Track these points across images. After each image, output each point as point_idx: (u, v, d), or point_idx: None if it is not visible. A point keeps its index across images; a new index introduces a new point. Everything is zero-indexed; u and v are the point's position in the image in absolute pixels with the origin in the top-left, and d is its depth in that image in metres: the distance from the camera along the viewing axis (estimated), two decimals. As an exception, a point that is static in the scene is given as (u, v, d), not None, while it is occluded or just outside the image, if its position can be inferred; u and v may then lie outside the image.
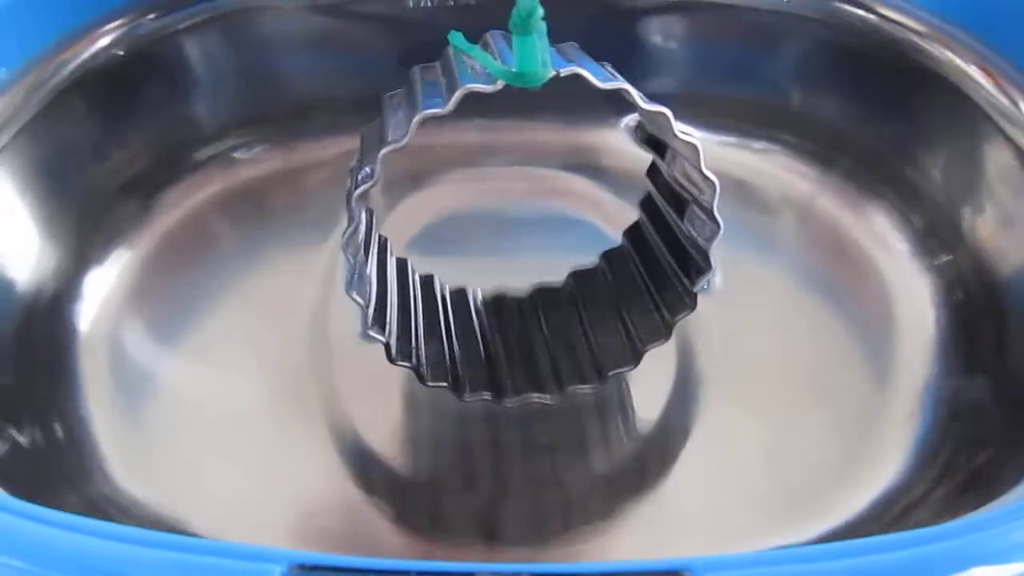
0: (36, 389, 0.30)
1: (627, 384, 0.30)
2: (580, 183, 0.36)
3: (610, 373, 0.29)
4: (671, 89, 0.36)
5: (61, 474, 0.28)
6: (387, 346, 0.27)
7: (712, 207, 0.26)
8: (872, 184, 0.35)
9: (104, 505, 0.27)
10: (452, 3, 0.34)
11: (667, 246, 0.30)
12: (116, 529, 0.20)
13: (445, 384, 0.29)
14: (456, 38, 0.26)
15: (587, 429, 0.30)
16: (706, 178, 0.26)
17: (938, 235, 0.33)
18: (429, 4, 0.35)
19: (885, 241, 0.34)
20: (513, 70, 0.23)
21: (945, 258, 0.32)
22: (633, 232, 0.31)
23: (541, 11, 0.23)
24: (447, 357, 0.30)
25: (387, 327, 0.28)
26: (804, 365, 0.31)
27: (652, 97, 0.25)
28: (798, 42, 0.35)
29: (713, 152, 0.35)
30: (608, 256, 0.32)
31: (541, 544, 0.28)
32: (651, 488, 0.29)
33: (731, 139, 0.36)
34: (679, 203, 0.29)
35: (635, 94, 0.24)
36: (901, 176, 0.34)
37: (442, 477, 0.29)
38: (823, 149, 0.36)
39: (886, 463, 0.28)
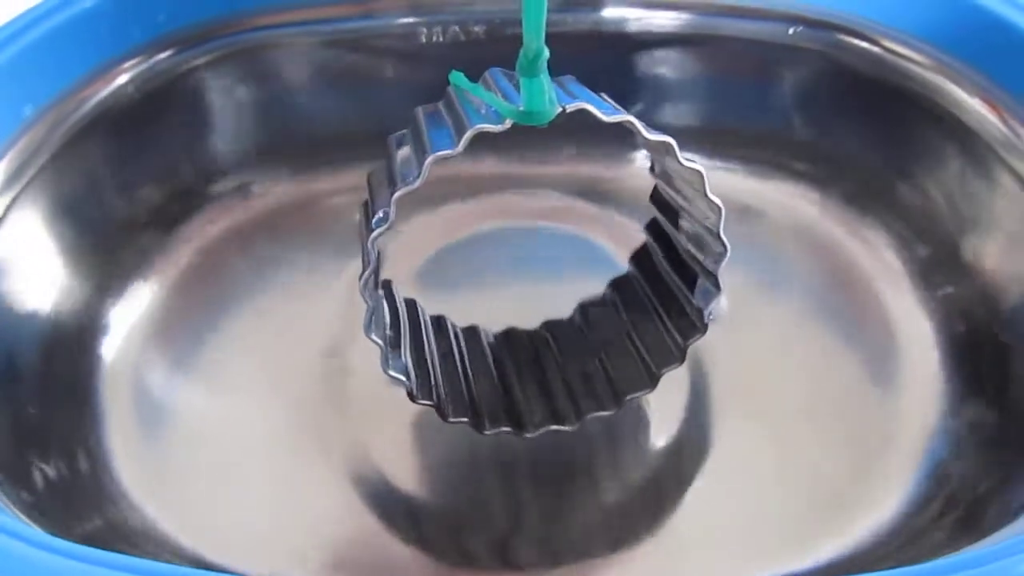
0: (60, 420, 0.30)
1: (640, 410, 0.31)
2: (588, 211, 0.37)
3: (628, 398, 0.29)
4: (676, 119, 0.37)
5: (87, 504, 0.28)
6: (407, 385, 0.28)
7: (719, 230, 0.26)
8: (877, 214, 0.35)
9: (134, 537, 0.28)
10: (464, 38, 0.35)
11: (675, 270, 0.30)
12: (155, 567, 0.20)
13: (466, 420, 0.29)
14: (458, 78, 0.26)
15: (601, 455, 0.30)
16: (711, 203, 0.26)
17: (941, 266, 0.33)
18: (442, 39, 0.35)
19: (889, 271, 0.34)
20: (520, 109, 0.24)
21: (948, 289, 0.33)
22: (640, 257, 0.32)
23: (547, 53, 0.23)
24: (465, 392, 0.30)
25: (405, 367, 0.28)
26: (810, 393, 0.31)
27: (657, 128, 0.25)
28: (803, 74, 0.35)
29: (720, 181, 0.36)
30: (615, 284, 0.32)
31: (556, 570, 0.28)
32: (665, 514, 0.29)
33: (737, 168, 0.37)
34: (686, 230, 0.29)
35: (639, 125, 0.24)
36: (905, 207, 0.34)
37: (458, 504, 0.29)
38: (828, 179, 0.36)
39: (891, 493, 0.29)
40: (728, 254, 0.27)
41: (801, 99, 0.36)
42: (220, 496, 0.29)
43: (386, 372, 0.27)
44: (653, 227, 0.31)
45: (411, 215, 0.36)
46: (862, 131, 0.35)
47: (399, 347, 0.28)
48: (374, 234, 0.25)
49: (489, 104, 0.24)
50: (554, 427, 0.29)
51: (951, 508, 0.28)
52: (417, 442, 0.31)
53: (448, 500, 0.29)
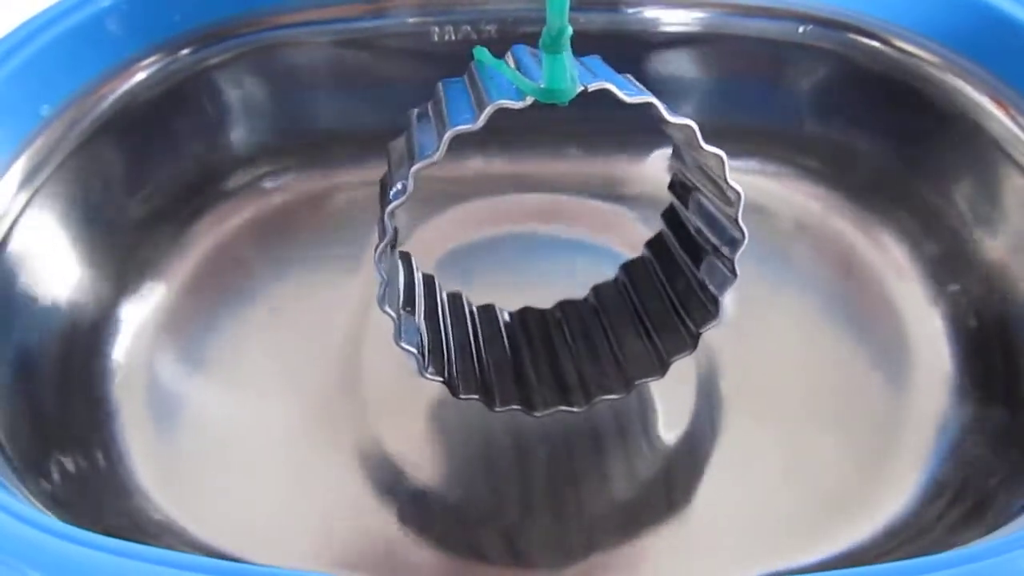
0: (77, 414, 0.30)
1: (650, 405, 0.31)
2: (603, 209, 0.37)
3: (637, 383, 0.29)
4: (694, 116, 0.36)
5: (106, 498, 0.29)
6: (419, 359, 0.28)
7: (737, 216, 0.26)
8: (886, 212, 0.35)
9: (151, 528, 0.28)
10: (476, 37, 0.35)
11: (691, 258, 0.30)
12: (175, 557, 0.21)
13: (476, 397, 0.29)
14: (482, 53, 0.26)
15: (611, 450, 0.30)
16: (731, 188, 0.26)
17: (951, 263, 0.33)
18: (454, 38, 0.35)
19: (899, 268, 0.34)
20: (542, 86, 0.23)
21: (958, 286, 0.33)
22: (655, 243, 0.32)
23: (570, 30, 0.23)
24: (477, 370, 0.30)
25: (419, 340, 0.28)
26: (819, 389, 0.31)
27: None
28: (814, 72, 0.36)
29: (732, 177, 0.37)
30: (628, 268, 0.32)
31: (567, 565, 0.28)
32: (674, 509, 0.29)
33: (748, 166, 0.37)
34: (703, 216, 0.29)
35: (661, 107, 0.24)
36: (915, 204, 0.35)
37: (470, 498, 0.29)
38: (838, 177, 0.36)
39: (899, 486, 0.29)
40: (746, 240, 0.26)
41: (811, 97, 0.36)
42: (234, 489, 0.30)
43: (398, 344, 0.27)
44: (669, 215, 0.31)
45: (431, 210, 0.36)
46: (871, 129, 0.35)
47: (413, 321, 0.28)
48: (391, 206, 0.25)
49: (511, 81, 0.24)
50: (564, 408, 0.29)
51: (959, 503, 0.28)
52: (432, 436, 0.31)
53: (461, 494, 0.30)
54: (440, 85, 0.27)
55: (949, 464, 0.29)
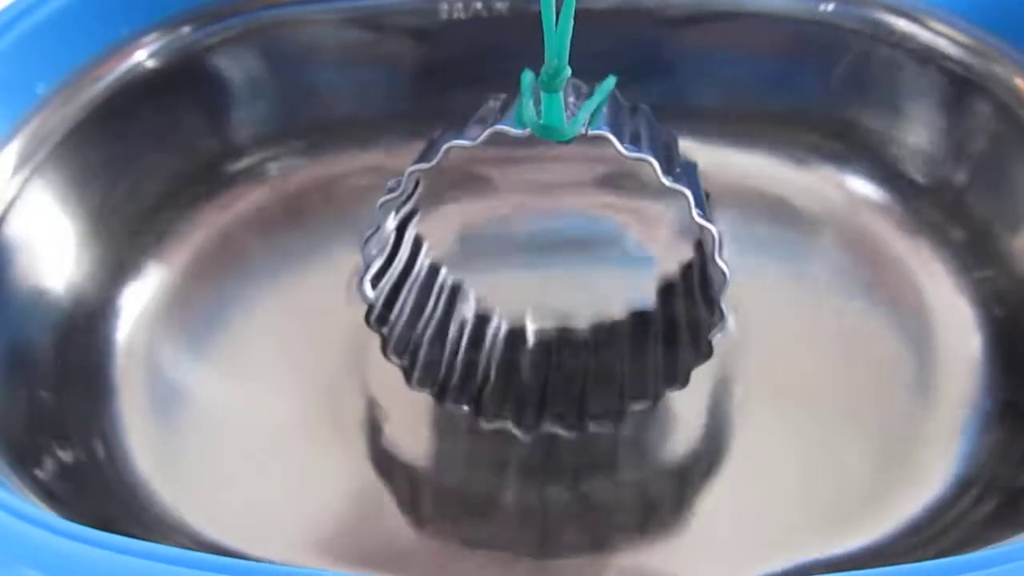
0: (75, 404, 0.30)
1: (663, 401, 0.30)
2: (623, 199, 0.36)
3: (591, 423, 0.30)
4: (711, 101, 0.36)
5: (104, 490, 0.28)
6: (384, 340, 0.28)
7: (719, 297, 0.26)
8: (912, 198, 0.34)
9: (150, 522, 0.28)
10: (486, 15, 0.34)
11: (687, 321, 0.30)
12: (177, 553, 0.20)
13: (428, 389, 0.29)
14: (525, 77, 0.26)
15: (623, 447, 0.30)
16: (717, 267, 0.26)
17: (978, 250, 0.33)
18: (463, 16, 0.34)
19: (924, 256, 0.34)
20: (540, 122, 0.24)
21: (985, 273, 0.32)
22: (664, 294, 0.32)
23: (568, 71, 0.24)
24: (442, 365, 0.30)
25: (390, 322, 0.29)
26: (840, 380, 0.31)
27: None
28: (839, 53, 0.35)
29: (752, 165, 0.36)
30: (636, 316, 0.32)
31: (573, 562, 0.28)
32: (687, 503, 0.29)
33: (767, 153, 0.36)
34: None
35: (658, 170, 0.24)
36: (941, 190, 0.34)
37: (479, 493, 0.29)
38: (862, 163, 0.35)
39: (923, 483, 0.28)
40: (725, 322, 0.27)
41: (834, 79, 0.35)
42: (235, 481, 0.29)
43: (367, 323, 0.28)
44: (686, 271, 0.31)
45: (453, 190, 0.35)
46: (898, 114, 0.35)
47: (392, 306, 0.29)
48: (383, 199, 0.26)
49: (523, 108, 0.25)
50: (509, 424, 0.30)
51: (987, 498, 0.27)
52: (437, 429, 0.30)
53: (469, 489, 0.29)
54: (490, 97, 0.28)
55: (976, 458, 0.28)
